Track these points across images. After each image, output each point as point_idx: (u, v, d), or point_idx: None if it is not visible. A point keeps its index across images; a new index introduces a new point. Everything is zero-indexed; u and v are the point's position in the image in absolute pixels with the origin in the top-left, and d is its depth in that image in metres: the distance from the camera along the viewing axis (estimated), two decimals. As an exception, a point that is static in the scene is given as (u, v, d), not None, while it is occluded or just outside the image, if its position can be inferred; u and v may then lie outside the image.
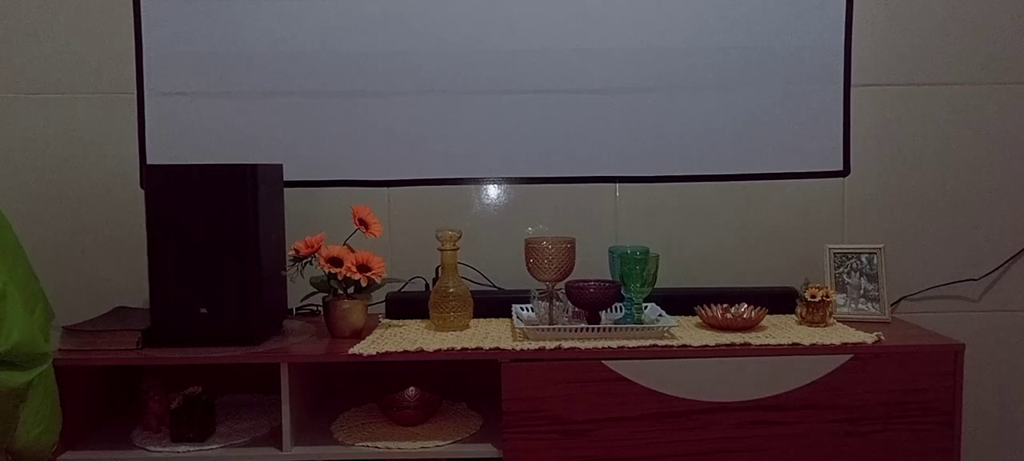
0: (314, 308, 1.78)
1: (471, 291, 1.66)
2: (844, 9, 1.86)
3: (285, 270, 1.66)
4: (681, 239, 1.88)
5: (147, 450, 1.51)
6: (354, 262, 1.57)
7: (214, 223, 1.51)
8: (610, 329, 1.54)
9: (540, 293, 1.62)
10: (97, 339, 1.52)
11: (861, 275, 1.72)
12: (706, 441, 1.47)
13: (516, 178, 1.88)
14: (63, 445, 1.47)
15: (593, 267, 1.69)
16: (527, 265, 1.62)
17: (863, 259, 1.72)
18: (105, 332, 1.53)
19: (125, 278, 1.82)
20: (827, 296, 1.63)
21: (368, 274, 1.57)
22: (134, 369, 1.71)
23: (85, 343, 1.52)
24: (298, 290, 1.67)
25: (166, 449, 1.51)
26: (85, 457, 1.51)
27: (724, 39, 1.85)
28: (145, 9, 1.83)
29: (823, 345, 1.48)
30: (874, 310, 1.69)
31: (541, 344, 1.49)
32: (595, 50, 1.85)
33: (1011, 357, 1.91)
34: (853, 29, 1.86)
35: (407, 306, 1.74)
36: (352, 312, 1.59)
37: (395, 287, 1.78)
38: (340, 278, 1.56)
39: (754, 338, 1.52)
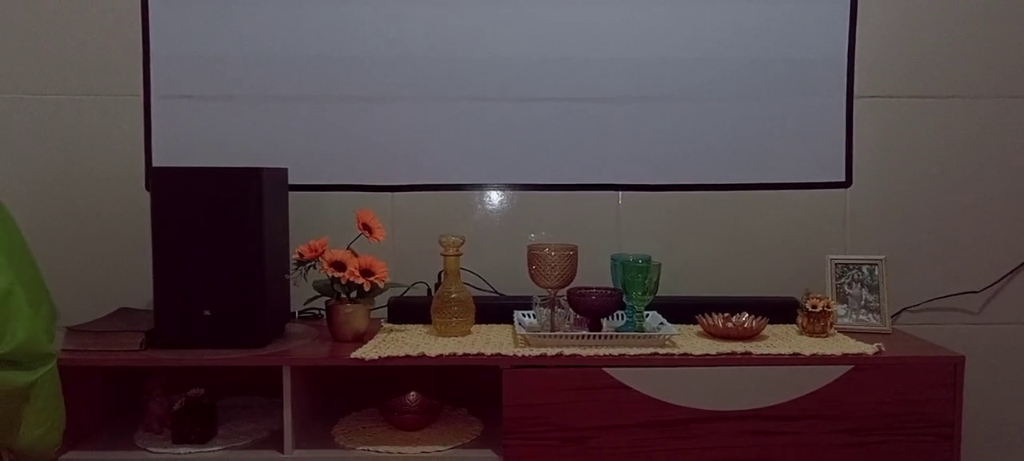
0: (317, 312, 1.78)
1: (473, 297, 1.66)
2: (847, 21, 1.86)
3: (289, 274, 1.66)
4: (683, 248, 1.89)
5: (148, 451, 1.52)
6: (357, 266, 1.57)
7: (219, 226, 1.51)
8: (611, 337, 1.55)
9: (542, 300, 1.63)
10: (100, 340, 1.53)
11: (862, 286, 1.72)
12: (706, 450, 1.47)
13: (519, 185, 1.89)
14: (66, 445, 1.47)
15: (595, 274, 1.69)
16: (529, 272, 1.62)
17: (864, 270, 1.73)
18: (108, 333, 1.54)
19: (129, 279, 1.83)
20: (828, 307, 1.63)
21: (371, 279, 1.57)
22: (137, 370, 1.71)
23: (88, 344, 1.52)
24: (301, 294, 1.68)
25: (167, 451, 1.51)
26: (87, 457, 1.51)
27: (728, 50, 1.86)
28: (153, 12, 1.84)
29: (823, 355, 1.49)
30: (875, 321, 1.69)
31: (542, 351, 1.49)
32: (599, 59, 1.86)
33: (1011, 369, 1.92)
34: (856, 41, 1.86)
35: (409, 311, 1.75)
36: (355, 316, 1.59)
37: (398, 292, 1.79)
38: (343, 282, 1.56)
39: (755, 347, 1.52)
